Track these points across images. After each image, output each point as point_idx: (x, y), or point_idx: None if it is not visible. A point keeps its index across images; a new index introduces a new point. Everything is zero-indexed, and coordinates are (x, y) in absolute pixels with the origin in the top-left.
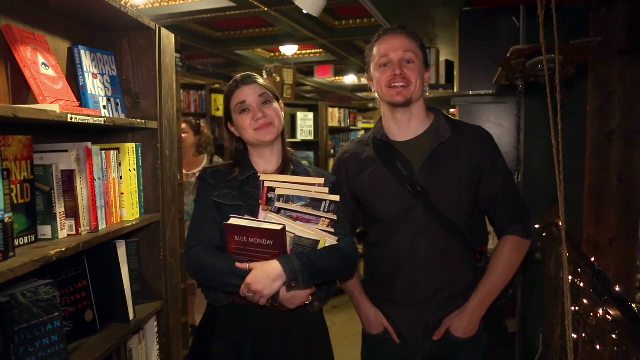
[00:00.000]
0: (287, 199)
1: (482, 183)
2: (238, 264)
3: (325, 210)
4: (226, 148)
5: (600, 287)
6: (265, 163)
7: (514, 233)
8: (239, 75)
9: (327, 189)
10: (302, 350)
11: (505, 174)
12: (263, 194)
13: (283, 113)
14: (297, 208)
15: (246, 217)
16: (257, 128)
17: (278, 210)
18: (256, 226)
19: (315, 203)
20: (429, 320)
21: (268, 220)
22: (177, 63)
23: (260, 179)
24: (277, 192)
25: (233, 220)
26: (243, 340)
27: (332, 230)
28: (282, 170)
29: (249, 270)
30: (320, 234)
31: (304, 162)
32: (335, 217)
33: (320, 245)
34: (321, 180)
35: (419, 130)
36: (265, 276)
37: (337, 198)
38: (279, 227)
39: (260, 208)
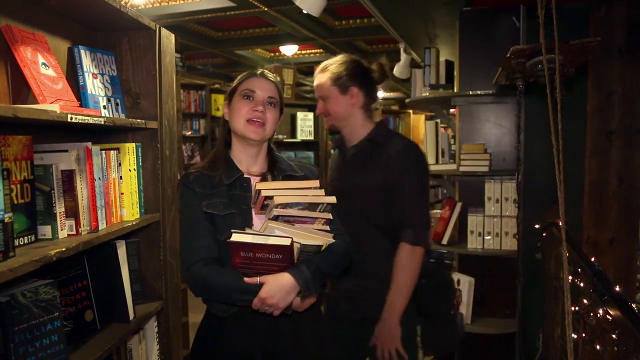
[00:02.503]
0: (285, 204)
1: (393, 195)
2: (247, 280)
3: (321, 210)
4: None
5: (600, 287)
6: (250, 164)
7: (403, 239)
8: (261, 69)
9: (322, 191)
10: (314, 347)
11: (409, 185)
12: (259, 202)
13: (279, 123)
14: (294, 212)
15: (247, 230)
16: (249, 119)
17: (276, 217)
18: (263, 242)
19: (312, 205)
20: (346, 306)
21: (272, 234)
22: (177, 63)
23: (256, 188)
24: (276, 200)
25: (236, 237)
26: (252, 346)
27: (328, 227)
28: (269, 173)
29: (260, 285)
30: (320, 235)
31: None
32: (330, 216)
33: (323, 248)
34: (316, 183)
35: (359, 139)
36: (280, 289)
37: (333, 200)
38: (287, 242)
39: (253, 212)
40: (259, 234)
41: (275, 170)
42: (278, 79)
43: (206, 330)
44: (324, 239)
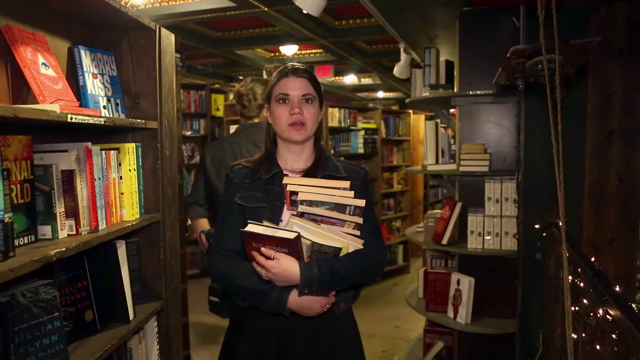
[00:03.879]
0: (311, 202)
1: None
2: (263, 250)
3: (351, 213)
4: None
5: (600, 287)
6: (293, 161)
7: None
8: (290, 65)
9: (352, 193)
10: (330, 352)
11: None
12: (287, 197)
13: (322, 115)
14: (321, 212)
15: (264, 223)
16: (291, 123)
17: (302, 214)
18: (271, 234)
19: (339, 207)
20: None
21: (282, 228)
22: (177, 63)
23: (283, 182)
24: (300, 196)
25: (250, 227)
26: (268, 345)
27: (358, 233)
28: (311, 171)
29: (266, 283)
30: (345, 239)
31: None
32: (360, 220)
33: (343, 252)
34: (346, 184)
35: None
36: (284, 270)
37: (362, 203)
38: (292, 236)
39: (285, 208)
40: (271, 227)
41: (318, 169)
42: (309, 72)
43: (232, 322)
44: (345, 242)
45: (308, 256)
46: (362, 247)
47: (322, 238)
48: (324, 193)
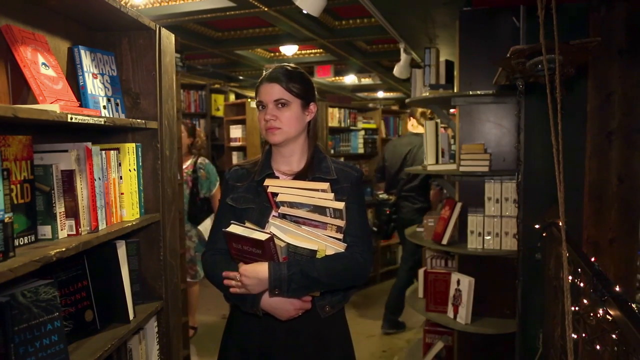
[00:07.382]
0: (292, 204)
1: None
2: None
3: (332, 215)
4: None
5: (600, 287)
6: (285, 163)
7: None
8: (270, 68)
9: (331, 195)
10: (314, 353)
11: None
12: (270, 198)
13: (310, 115)
14: (302, 214)
15: (246, 224)
16: (266, 128)
17: (283, 216)
18: (247, 235)
19: (319, 209)
20: None
21: (258, 229)
22: (177, 63)
23: (265, 183)
24: (279, 198)
25: (231, 228)
26: (251, 345)
27: (340, 236)
28: (302, 173)
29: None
30: (325, 241)
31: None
32: (342, 223)
33: (320, 255)
34: (325, 185)
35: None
36: (255, 275)
37: (340, 205)
38: (263, 238)
39: (273, 211)
40: (250, 228)
41: (309, 171)
42: (285, 74)
43: (228, 319)
44: (323, 245)
45: (284, 258)
46: (342, 250)
47: (299, 240)
48: (302, 195)
